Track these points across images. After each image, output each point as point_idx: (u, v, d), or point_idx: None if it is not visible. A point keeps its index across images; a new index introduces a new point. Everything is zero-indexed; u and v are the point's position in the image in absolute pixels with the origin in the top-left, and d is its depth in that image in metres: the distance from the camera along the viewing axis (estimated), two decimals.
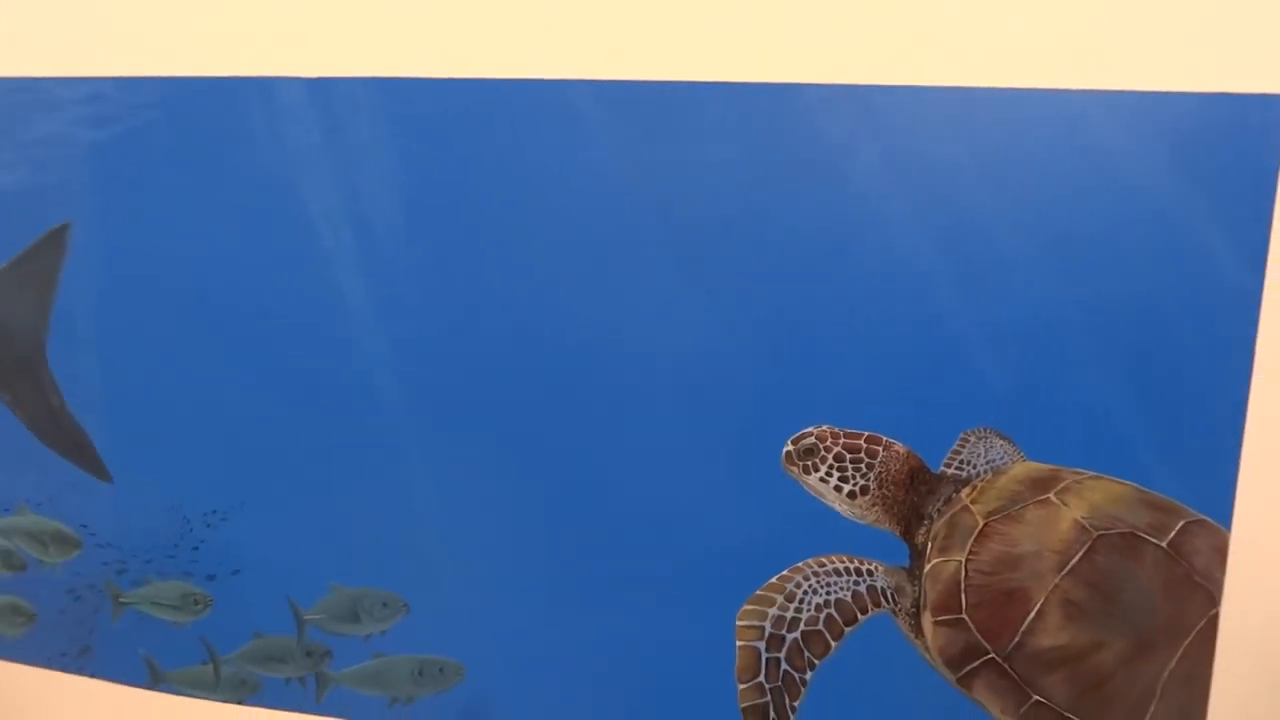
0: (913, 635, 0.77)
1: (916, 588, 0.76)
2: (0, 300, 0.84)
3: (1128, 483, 0.74)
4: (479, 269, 0.75)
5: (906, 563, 0.76)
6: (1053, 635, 0.75)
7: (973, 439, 0.75)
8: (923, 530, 0.76)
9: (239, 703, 0.82)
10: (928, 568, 0.76)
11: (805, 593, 0.75)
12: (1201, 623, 0.75)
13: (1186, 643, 0.75)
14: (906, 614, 0.76)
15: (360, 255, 0.76)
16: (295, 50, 0.75)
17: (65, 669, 0.86)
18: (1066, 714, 0.76)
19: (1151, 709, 0.76)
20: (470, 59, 0.73)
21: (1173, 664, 0.75)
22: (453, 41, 0.73)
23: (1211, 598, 0.75)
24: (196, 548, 0.81)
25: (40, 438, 0.84)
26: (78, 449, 0.83)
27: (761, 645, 0.76)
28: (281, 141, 0.76)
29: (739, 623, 0.76)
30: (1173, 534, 0.74)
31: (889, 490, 0.75)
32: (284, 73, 0.75)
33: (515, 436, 0.75)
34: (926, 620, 0.76)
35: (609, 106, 0.70)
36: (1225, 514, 0.73)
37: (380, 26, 0.74)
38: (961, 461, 0.75)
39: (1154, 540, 0.74)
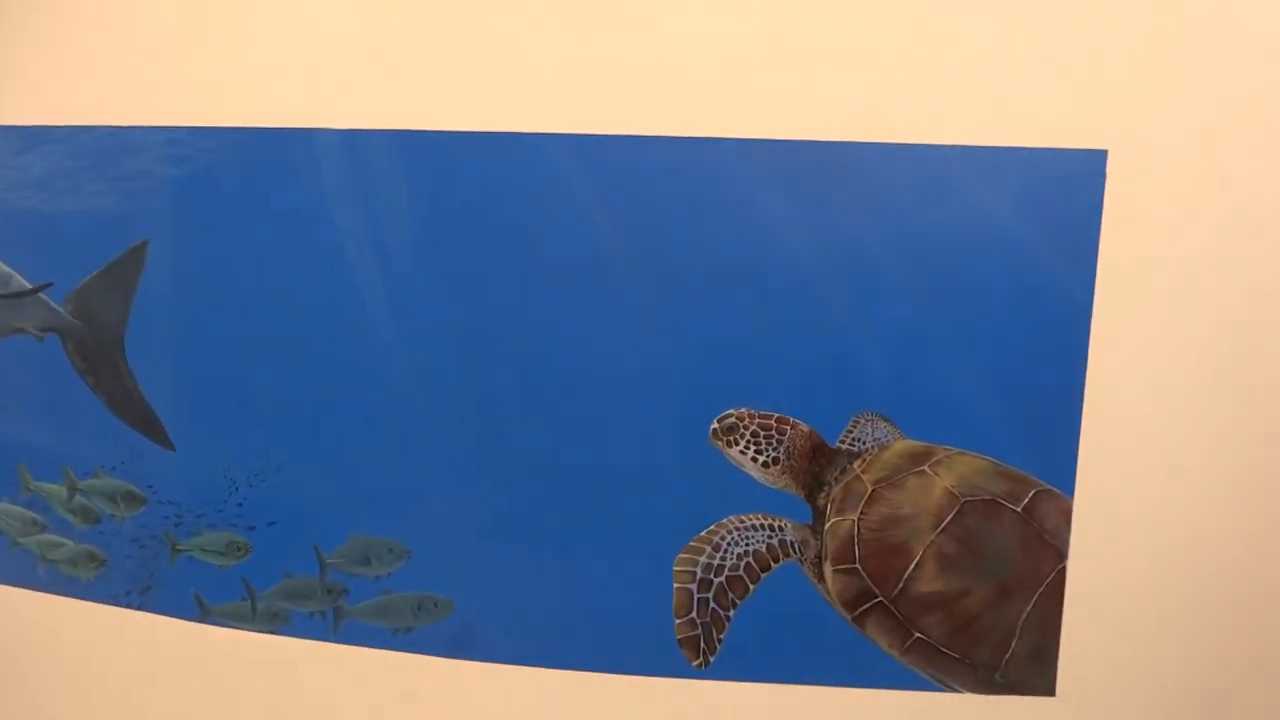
0: (816, 581, 0.94)
1: (819, 542, 0.93)
2: (90, 301, 1.04)
3: (988, 458, 0.91)
4: (474, 281, 0.94)
5: (810, 521, 0.94)
6: (929, 583, 0.92)
7: (862, 420, 0.92)
8: (823, 494, 0.93)
9: (271, 632, 1.00)
10: (828, 525, 0.93)
11: (729, 544, 0.93)
12: (1052, 574, 0.92)
13: (1040, 591, 0.92)
14: (811, 563, 0.94)
15: (378, 269, 0.95)
16: (330, 106, 0.95)
17: (129, 606, 1.05)
18: (943, 649, 0.92)
19: (1013, 645, 0.92)
20: (470, 116, 0.93)
21: (1029, 608, 0.92)
22: (456, 100, 0.93)
23: (1060, 554, 0.91)
24: (240, 504, 1.00)
25: (116, 414, 1.03)
26: (147, 423, 1.02)
27: (694, 587, 0.93)
28: (317, 180, 0.96)
29: (675, 568, 0.93)
30: (1026, 500, 0.91)
31: (795, 461, 0.93)
32: (320, 125, 0.95)
33: (501, 416, 0.94)
34: (827, 569, 0.93)
35: (587, 158, 0.90)
36: (1068, 484, 0.90)
37: (397, 88, 0.94)
38: (854, 439, 0.93)
39: (1011, 506, 0.91)
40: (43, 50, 1.03)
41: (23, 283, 1.05)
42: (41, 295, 1.05)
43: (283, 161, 0.96)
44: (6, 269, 1.06)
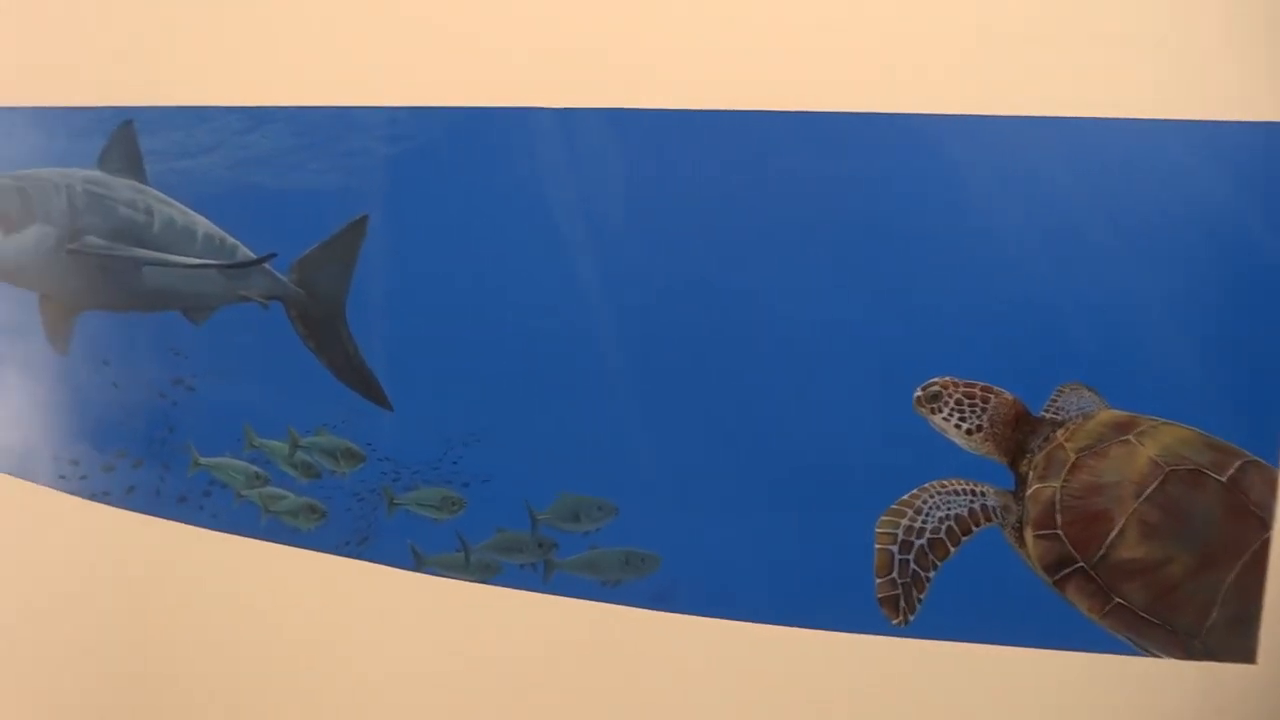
0: (1017, 545, 0.96)
1: (1020, 507, 0.96)
2: (312, 271, 1.11)
3: (1193, 428, 0.92)
4: (683, 248, 0.98)
5: (1012, 487, 0.96)
6: (1131, 549, 0.94)
7: (1067, 390, 0.95)
8: (1025, 461, 0.96)
9: (483, 582, 1.08)
10: (1029, 491, 0.96)
11: (930, 508, 0.96)
12: (1256, 544, 0.93)
13: (1243, 561, 0.93)
14: (1012, 528, 0.96)
15: (589, 239, 1.00)
16: (546, 87, 1.00)
17: (349, 555, 1.13)
18: (1143, 614, 0.94)
19: (1213, 613, 0.94)
20: (682, 94, 0.97)
21: (1231, 577, 0.93)
22: (668, 80, 0.97)
23: (1264, 524, 0.92)
24: (455, 462, 1.06)
25: (337, 376, 1.11)
26: (366, 385, 1.10)
27: (895, 549, 0.97)
28: (530, 156, 1.01)
29: (877, 530, 0.97)
30: (1231, 471, 0.92)
31: (999, 429, 0.95)
32: (535, 104, 1.01)
33: (710, 379, 0.98)
34: (1028, 534, 0.96)
35: (798, 133, 0.93)
36: (1275, 456, 0.91)
37: (609, 68, 0.99)
38: (1058, 408, 0.95)
39: (1215, 476, 0.93)
40: (268, 34, 1.10)
41: (249, 254, 1.13)
42: (267, 266, 1.13)
43: (497, 139, 1.01)
44: (234, 241, 1.14)
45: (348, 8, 1.06)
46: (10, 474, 1.35)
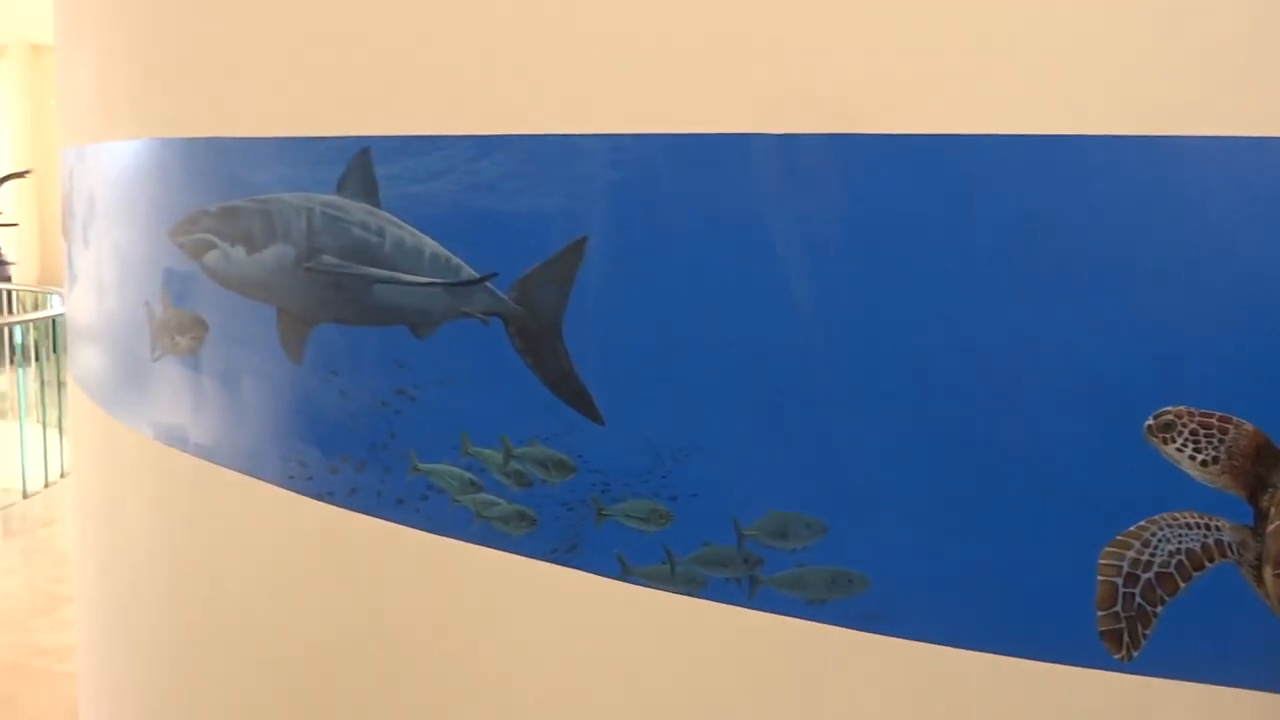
0: (1254, 584, 0.92)
1: (1259, 544, 0.92)
2: (531, 290, 1.18)
3: None
4: (895, 274, 0.99)
5: (1251, 522, 0.92)
6: None
7: None
8: (1266, 496, 0.91)
9: (688, 595, 1.10)
10: (1270, 528, 0.92)
11: (1159, 541, 0.93)
12: None
13: None
14: (1249, 566, 0.92)
15: (805, 263, 1.02)
16: (761, 111, 1.04)
17: (556, 561, 1.18)
18: None
19: None
20: (896, 118, 0.98)
21: None
22: (883, 103, 0.99)
23: None
24: (664, 476, 1.10)
25: (552, 390, 1.17)
26: (580, 400, 1.15)
27: (1119, 581, 0.94)
28: (748, 180, 1.05)
29: (1101, 561, 0.94)
30: None
31: (1237, 461, 0.91)
32: (753, 130, 1.04)
33: (926, 400, 0.99)
34: (1267, 572, 0.91)
35: (1019, 159, 0.93)
36: None
37: (829, 92, 1.01)
38: None
39: None
40: (498, 67, 1.18)
41: (472, 273, 1.21)
42: (488, 284, 1.20)
43: (716, 163, 1.05)
44: (458, 261, 1.22)
45: (572, 41, 1.12)
46: (244, 473, 1.48)
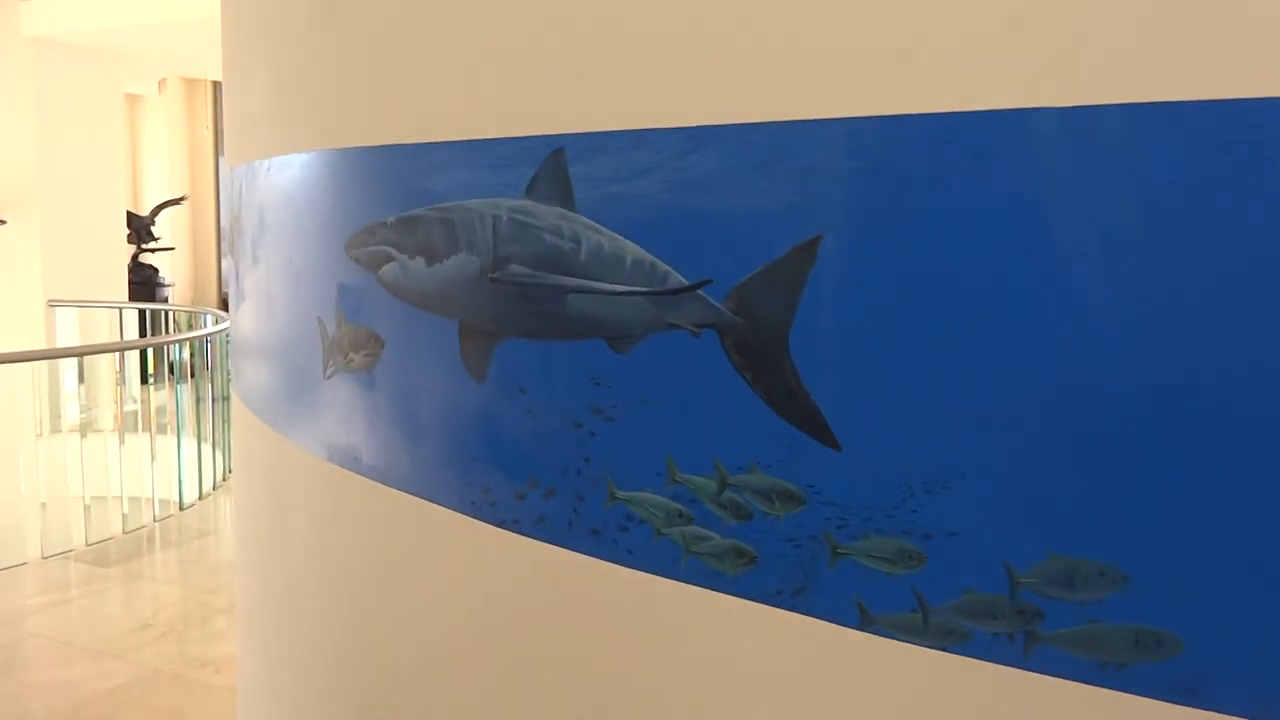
0: None
1: None
2: (754, 298, 1.04)
3: None
4: (1208, 271, 0.82)
5: None
6: None
7: None
8: None
9: (943, 650, 0.95)
10: None
11: None
12: None
13: None
14: None
15: (1092, 258, 0.86)
16: (1039, 82, 0.88)
17: (781, 605, 1.04)
18: None
19: None
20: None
21: None
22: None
23: None
24: (915, 511, 0.95)
25: (776, 411, 1.03)
26: (809, 420, 1.01)
27: None
28: (1020, 165, 0.89)
29: None
30: None
31: None
32: (1032, 104, 0.88)
33: (1248, 427, 0.81)
34: None
35: None
36: None
37: (1125, 54, 0.85)
38: None
39: None
40: (710, 52, 1.06)
41: (680, 280, 1.09)
42: (701, 292, 1.08)
43: (982, 145, 0.90)
44: (665, 267, 1.10)
45: (795, 14, 0.99)
46: (422, 497, 1.40)
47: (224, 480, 6.46)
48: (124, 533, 5.34)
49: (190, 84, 11.57)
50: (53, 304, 8.36)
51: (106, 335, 8.71)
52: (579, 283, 1.17)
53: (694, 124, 1.06)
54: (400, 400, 1.44)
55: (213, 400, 6.58)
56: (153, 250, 11.16)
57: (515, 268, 1.24)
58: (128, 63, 9.16)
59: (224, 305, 11.79)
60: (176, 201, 11.24)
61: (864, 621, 0.98)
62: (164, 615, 4.21)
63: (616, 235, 1.13)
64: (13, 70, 8.14)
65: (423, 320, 1.38)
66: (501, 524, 1.28)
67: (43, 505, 5.60)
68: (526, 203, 1.22)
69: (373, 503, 1.52)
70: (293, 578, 1.86)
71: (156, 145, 11.90)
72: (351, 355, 1.53)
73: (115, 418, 6.31)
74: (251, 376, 2.09)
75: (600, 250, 1.14)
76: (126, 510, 5.48)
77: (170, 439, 6.15)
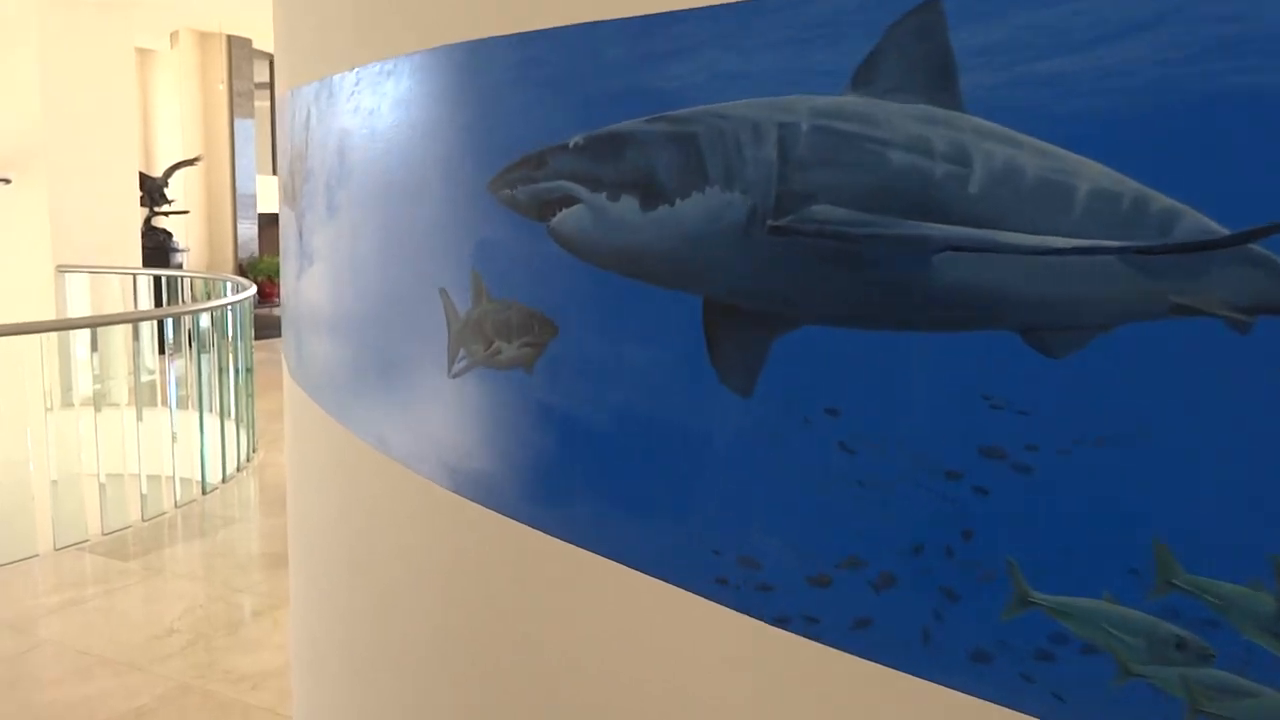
0: None
1: None
2: None
3: None
4: None
5: None
6: None
7: None
8: None
9: None
10: None
11: None
12: None
13: None
14: None
15: None
16: None
17: None
18: None
19: None
20: None
21: None
22: None
23: None
24: None
25: None
26: None
27: None
28: None
29: None
30: None
31: None
32: None
33: None
34: None
35: None
36: None
37: None
38: None
39: None
40: None
41: (1212, 227, 0.60)
42: (1254, 247, 0.59)
43: None
44: (1167, 201, 0.61)
45: None
46: (628, 564, 0.92)
47: (248, 460, 6.02)
48: (143, 520, 4.89)
49: (203, 37, 10.99)
50: (62, 269, 7.89)
51: (120, 302, 8.25)
52: (965, 233, 0.68)
53: None
54: (584, 415, 0.96)
55: (234, 373, 6.12)
56: (166, 214, 10.65)
57: (824, 209, 0.75)
58: (137, 14, 8.62)
59: (241, 271, 11.30)
60: (191, 162, 10.69)
61: None
62: (191, 619, 3.76)
63: (1057, 150, 0.64)
64: (16, 21, 7.62)
65: (629, 294, 0.90)
66: (781, 621, 0.81)
67: (54, 483, 5.16)
68: (851, 99, 0.73)
69: (539, 561, 1.04)
70: (389, 617, 1.39)
71: (168, 103, 11.33)
72: (500, 344, 1.05)
73: (130, 390, 5.87)
74: (320, 363, 1.61)
75: (1018, 176, 0.66)
76: (145, 491, 5.03)
77: (191, 414, 5.70)
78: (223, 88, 10.79)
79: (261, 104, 11.68)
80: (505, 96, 1.01)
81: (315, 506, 1.72)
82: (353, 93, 1.33)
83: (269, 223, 12.48)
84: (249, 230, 11.53)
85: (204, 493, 5.40)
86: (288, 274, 1.82)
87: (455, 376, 1.12)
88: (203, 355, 5.83)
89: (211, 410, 5.81)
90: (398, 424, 1.28)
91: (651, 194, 0.86)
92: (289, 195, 1.74)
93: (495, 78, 1.02)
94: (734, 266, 0.81)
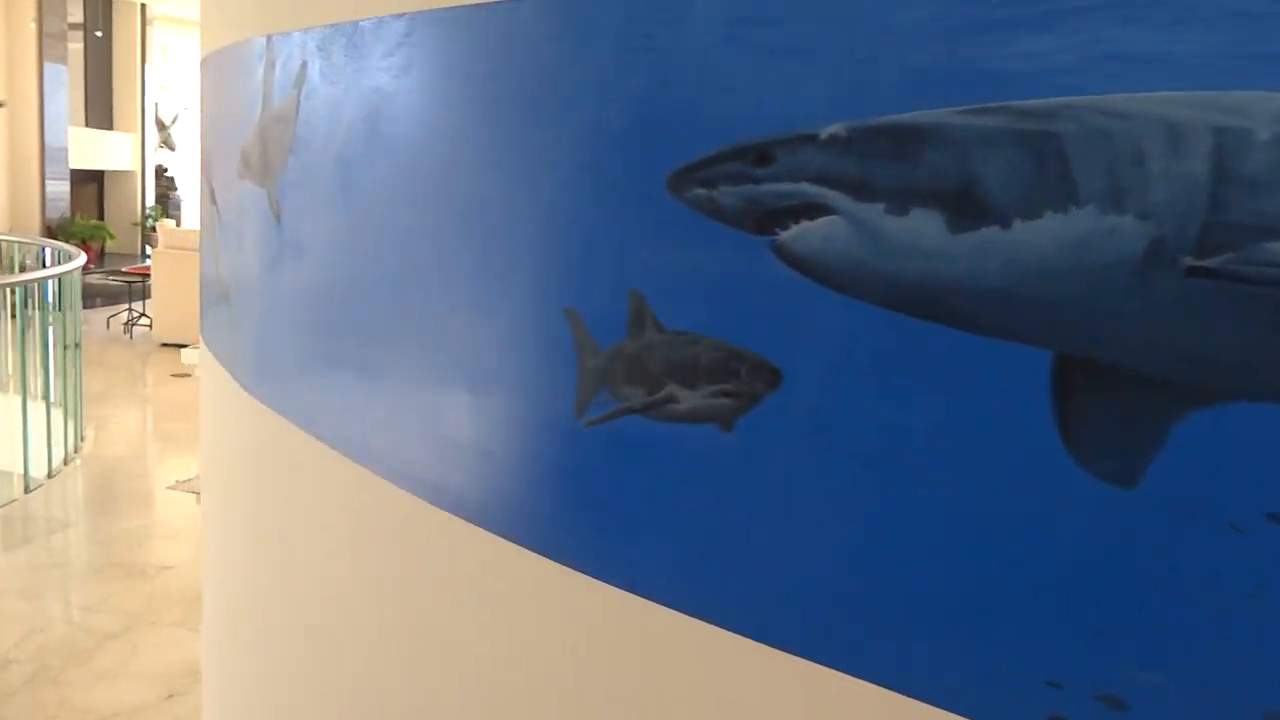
0: None
1: None
2: None
3: None
4: None
5: None
6: None
7: None
8: None
9: None
10: None
11: None
12: None
13: None
14: None
15: None
16: None
17: None
18: None
19: None
20: None
21: None
22: None
23: None
24: None
25: None
26: None
27: None
28: None
29: None
30: None
31: None
32: None
33: None
34: None
35: None
36: None
37: None
38: None
39: None
40: None
41: None
42: None
43: None
44: None
45: None
46: (955, 711, 0.70)
47: (76, 451, 5.34)
48: None
49: None
50: None
51: None
52: None
53: None
54: (828, 503, 0.73)
55: (62, 350, 5.41)
56: None
57: (1274, 247, 0.56)
58: None
59: (50, 233, 10.14)
60: None
61: None
62: (29, 647, 3.24)
63: None
64: None
65: (910, 339, 0.68)
66: None
67: None
68: None
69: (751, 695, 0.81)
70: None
71: None
72: (674, 389, 0.81)
73: None
74: (317, 380, 1.30)
75: None
76: None
77: (11, 398, 4.98)
78: (33, 26, 9.57)
79: (75, 46, 10.50)
80: (707, 63, 0.77)
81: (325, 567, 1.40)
82: (401, 43, 1.04)
83: (83, 180, 11.28)
84: (59, 188, 10.36)
85: (26, 490, 4.74)
86: (245, 264, 1.48)
87: (590, 425, 0.87)
88: (25, 332, 5.11)
89: (34, 394, 5.11)
90: (471, 476, 1.01)
91: (969, 210, 0.64)
92: (253, 168, 1.41)
93: (692, 38, 0.77)
94: (1116, 315, 0.61)
